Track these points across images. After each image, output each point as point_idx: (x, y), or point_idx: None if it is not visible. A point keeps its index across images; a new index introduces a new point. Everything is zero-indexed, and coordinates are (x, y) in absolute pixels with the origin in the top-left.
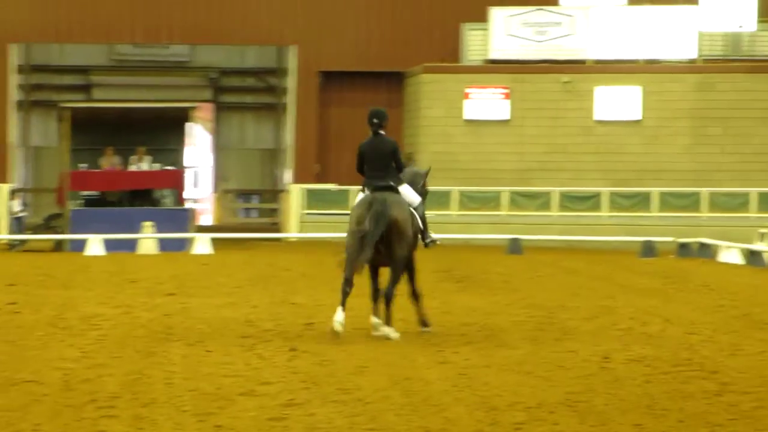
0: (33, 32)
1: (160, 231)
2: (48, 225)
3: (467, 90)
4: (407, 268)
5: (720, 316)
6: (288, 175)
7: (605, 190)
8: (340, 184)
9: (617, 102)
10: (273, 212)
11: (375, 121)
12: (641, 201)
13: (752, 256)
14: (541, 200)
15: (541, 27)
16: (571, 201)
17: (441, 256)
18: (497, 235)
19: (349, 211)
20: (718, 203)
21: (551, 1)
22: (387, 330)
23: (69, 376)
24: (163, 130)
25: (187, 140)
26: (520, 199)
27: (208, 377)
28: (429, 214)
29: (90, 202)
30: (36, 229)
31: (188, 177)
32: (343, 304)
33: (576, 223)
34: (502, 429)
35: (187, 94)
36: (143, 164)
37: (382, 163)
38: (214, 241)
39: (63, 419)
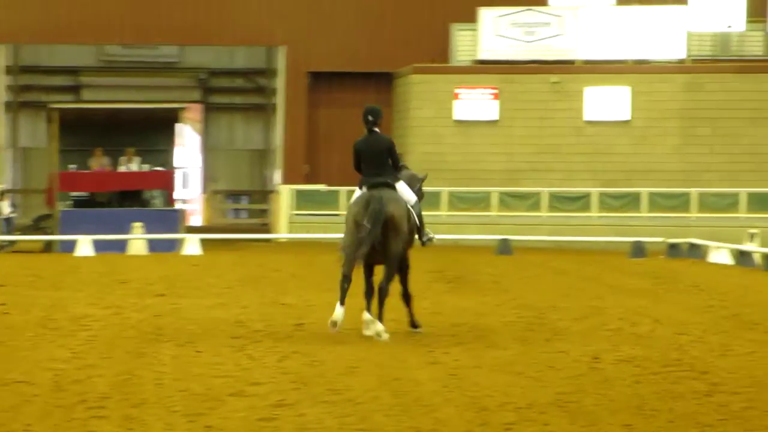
0: (22, 33)
1: (149, 232)
2: (37, 226)
3: (457, 90)
4: (401, 266)
5: (710, 317)
6: (277, 176)
7: (595, 190)
8: (330, 184)
9: (606, 102)
10: (262, 213)
11: (370, 118)
12: (631, 201)
13: (742, 257)
14: (530, 201)
15: (530, 27)
16: (560, 201)
17: (431, 257)
18: (487, 236)
19: (337, 212)
20: (707, 203)
21: (540, 1)
22: (378, 328)
23: (59, 376)
24: (152, 131)
25: (177, 141)
26: (509, 200)
27: (198, 378)
28: None
29: (79, 203)
30: (25, 230)
31: (178, 178)
32: (341, 301)
33: (565, 224)
34: (493, 429)
35: (176, 94)
36: (132, 165)
37: (378, 161)
38: (204, 241)
39: (53, 420)
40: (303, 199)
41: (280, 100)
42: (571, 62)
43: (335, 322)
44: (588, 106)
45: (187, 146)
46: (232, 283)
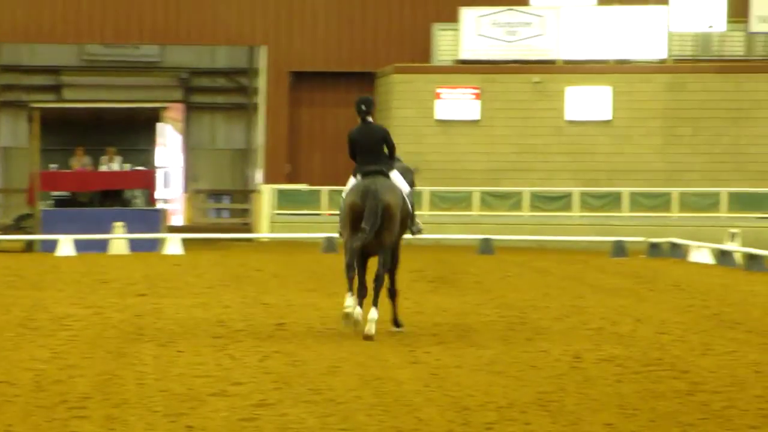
0: (2, 32)
1: (131, 231)
2: (18, 225)
3: (438, 90)
4: (393, 257)
5: (691, 316)
6: (259, 176)
7: (576, 190)
8: (311, 184)
9: (588, 102)
10: (244, 212)
11: (363, 108)
12: (612, 201)
13: (723, 256)
14: (512, 200)
15: (511, 27)
16: (542, 201)
17: (413, 256)
18: (468, 236)
19: (319, 212)
20: (688, 203)
21: (521, 1)
22: (371, 317)
23: (40, 376)
24: (133, 131)
25: (158, 140)
26: (491, 200)
27: (179, 378)
28: None
29: (60, 203)
30: (6, 230)
31: (159, 177)
32: (351, 289)
33: (547, 223)
34: (474, 429)
35: (157, 94)
36: (114, 164)
37: (373, 150)
38: (186, 241)
39: (34, 420)
40: (284, 199)
41: (261, 100)
42: (552, 62)
43: (349, 315)
44: (569, 106)
45: (169, 146)
46: (213, 283)
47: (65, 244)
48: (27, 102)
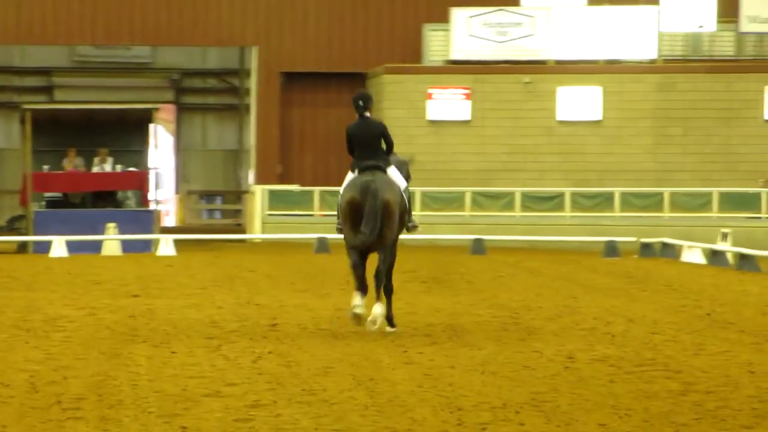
0: None
1: (123, 232)
2: (11, 227)
3: (430, 90)
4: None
5: (683, 316)
6: (251, 176)
7: (568, 190)
8: (303, 184)
9: (579, 102)
10: (236, 213)
11: (360, 103)
12: (603, 201)
13: (714, 256)
14: (503, 201)
15: (502, 27)
16: (533, 201)
17: (405, 257)
18: (460, 236)
19: (311, 213)
20: (680, 203)
21: (512, 1)
22: (377, 312)
23: (34, 378)
24: (125, 132)
25: (150, 141)
26: (482, 200)
27: (173, 378)
28: None
29: (52, 204)
30: None
31: (152, 178)
32: (359, 289)
33: (539, 224)
34: (468, 429)
35: (148, 95)
36: (106, 166)
37: (371, 145)
38: (178, 242)
39: (29, 421)
40: (276, 200)
41: (252, 101)
42: (543, 62)
43: (358, 315)
44: (561, 106)
45: (160, 147)
46: (206, 284)
47: (58, 245)
48: (18, 103)
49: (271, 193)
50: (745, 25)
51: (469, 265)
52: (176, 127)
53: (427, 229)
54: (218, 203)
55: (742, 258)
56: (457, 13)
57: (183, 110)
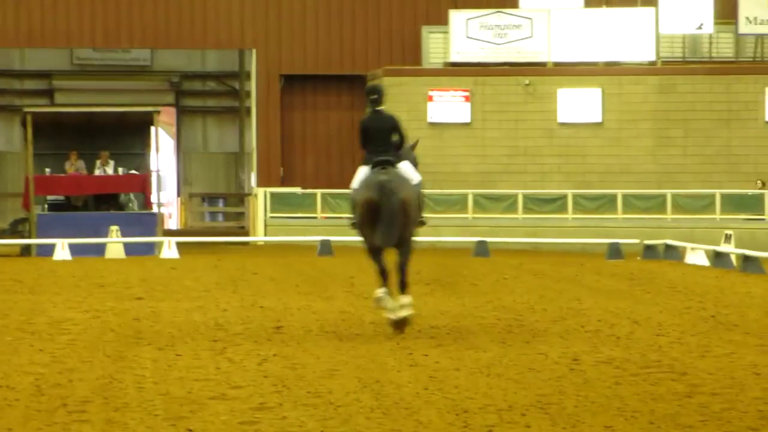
0: None
1: (126, 235)
2: (15, 230)
3: (431, 93)
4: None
5: (688, 318)
6: (253, 179)
7: (570, 192)
8: (305, 187)
9: (579, 104)
10: (239, 216)
11: (373, 96)
12: (606, 203)
13: (718, 258)
14: (506, 203)
15: (501, 30)
16: (535, 203)
17: None
18: (463, 238)
19: (314, 215)
20: (682, 205)
21: (511, 3)
22: (403, 301)
23: (40, 381)
24: (126, 134)
25: (152, 144)
26: (485, 202)
27: (178, 381)
28: None
29: (55, 207)
30: (2, 234)
31: (154, 181)
32: (380, 278)
33: (541, 226)
34: None
35: (149, 98)
36: (108, 168)
37: (384, 138)
38: (181, 245)
39: (35, 424)
40: (278, 202)
41: (253, 103)
42: (542, 64)
43: (380, 300)
44: (561, 108)
45: (161, 149)
46: (210, 286)
47: (61, 249)
48: (19, 106)
49: (273, 195)
50: (744, 27)
51: (472, 267)
52: (177, 130)
53: (430, 231)
54: (221, 206)
55: (746, 260)
56: (455, 16)
57: (183, 113)
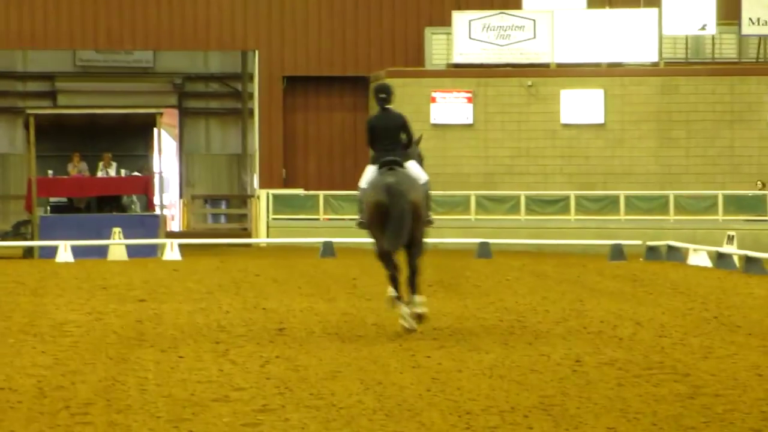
0: None
1: (129, 237)
2: (17, 232)
3: (434, 94)
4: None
5: (690, 319)
6: (255, 180)
7: (572, 193)
8: (307, 189)
9: (582, 105)
10: (242, 218)
11: (382, 95)
12: (609, 204)
13: (721, 259)
14: (508, 204)
15: (503, 31)
16: (538, 205)
17: None
18: (466, 239)
19: (317, 216)
20: (684, 206)
21: (514, 5)
22: (417, 302)
23: (42, 383)
24: (129, 136)
25: (155, 146)
26: (487, 203)
27: (181, 383)
28: None
29: (57, 209)
30: (5, 236)
31: (156, 183)
32: (395, 288)
33: (544, 227)
34: None
35: (151, 99)
36: (111, 170)
37: (392, 137)
38: (184, 246)
39: (37, 426)
40: (281, 204)
41: (255, 105)
42: (545, 65)
43: (391, 299)
44: (564, 109)
45: (164, 151)
46: (212, 288)
47: (64, 251)
48: (22, 108)
49: (275, 197)
50: (747, 28)
51: (475, 268)
52: (179, 132)
53: (433, 232)
54: (223, 208)
55: (749, 261)
56: (458, 17)
57: (186, 114)
